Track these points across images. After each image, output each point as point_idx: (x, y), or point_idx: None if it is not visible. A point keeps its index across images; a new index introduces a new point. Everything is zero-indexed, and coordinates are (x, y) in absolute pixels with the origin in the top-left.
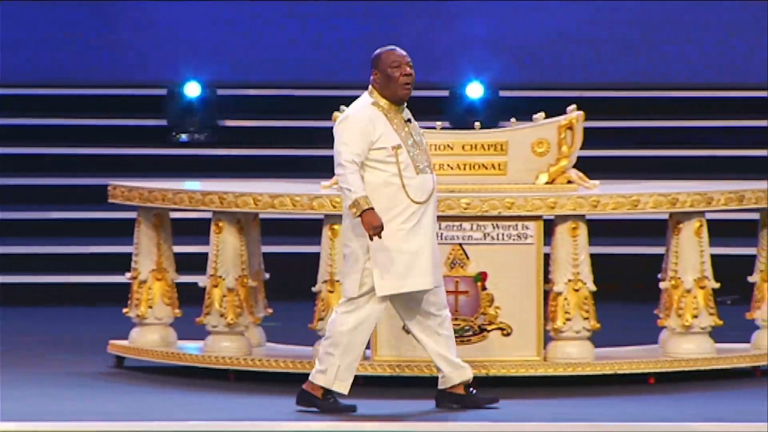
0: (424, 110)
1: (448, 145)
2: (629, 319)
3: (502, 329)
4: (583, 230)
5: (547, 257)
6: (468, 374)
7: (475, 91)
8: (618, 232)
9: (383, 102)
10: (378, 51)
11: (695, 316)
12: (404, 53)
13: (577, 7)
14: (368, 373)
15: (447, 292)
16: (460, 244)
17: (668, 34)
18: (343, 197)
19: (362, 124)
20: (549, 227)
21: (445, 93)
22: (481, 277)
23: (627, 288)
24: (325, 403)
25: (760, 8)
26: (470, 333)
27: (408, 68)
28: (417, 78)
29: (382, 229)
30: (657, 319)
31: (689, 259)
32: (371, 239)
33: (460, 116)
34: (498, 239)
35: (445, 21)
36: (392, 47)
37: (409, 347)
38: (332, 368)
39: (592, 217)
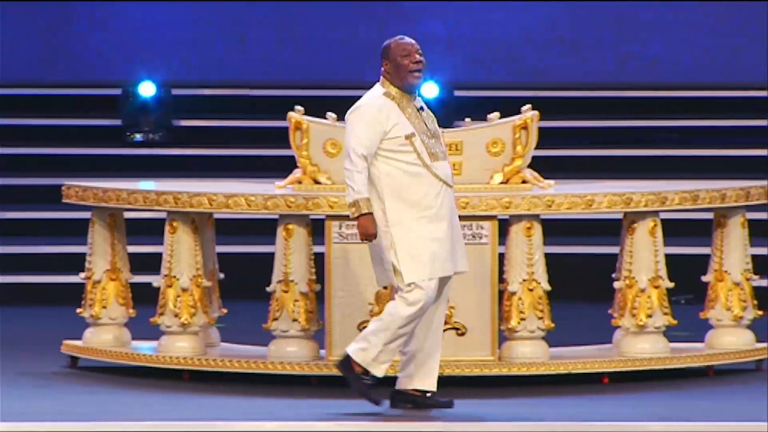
0: None
1: None
2: (583, 319)
3: (456, 329)
4: (537, 230)
5: (501, 257)
6: (432, 387)
7: (429, 91)
8: (572, 231)
9: (395, 91)
10: (387, 42)
11: (649, 316)
12: (413, 41)
13: (533, 7)
14: (322, 372)
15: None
16: None
17: (624, 33)
18: (347, 192)
19: (373, 115)
20: (504, 227)
21: None
22: None
23: (581, 288)
24: (359, 383)
25: (718, 8)
26: None
27: (418, 56)
28: (366, 79)
29: (375, 237)
30: (611, 318)
31: (643, 259)
32: (362, 241)
33: None
34: None
35: (399, 21)
36: (401, 37)
37: None
38: (374, 349)
39: (547, 216)
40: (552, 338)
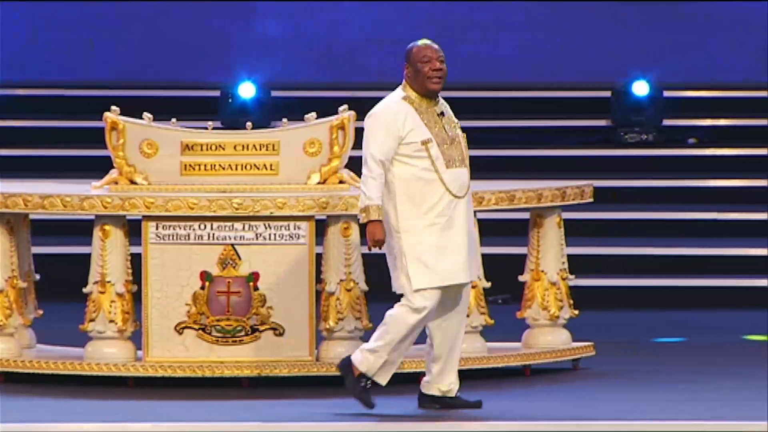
0: (196, 110)
1: (220, 146)
2: None
3: (274, 329)
4: (355, 230)
5: (319, 257)
6: (454, 387)
7: (247, 91)
8: None
9: (414, 96)
10: (410, 45)
11: (467, 315)
12: (436, 47)
13: (365, 8)
14: (139, 374)
15: (218, 292)
16: (232, 245)
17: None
18: (360, 196)
19: (390, 120)
20: (321, 227)
21: (217, 93)
22: (253, 277)
23: None
24: (357, 385)
25: (556, 8)
26: (242, 333)
27: (438, 63)
28: (188, 77)
29: (383, 242)
30: None
31: None
32: (369, 249)
33: (232, 116)
34: (270, 239)
35: (215, 20)
36: (425, 41)
37: (181, 348)
38: (379, 359)
39: None
40: (369, 338)
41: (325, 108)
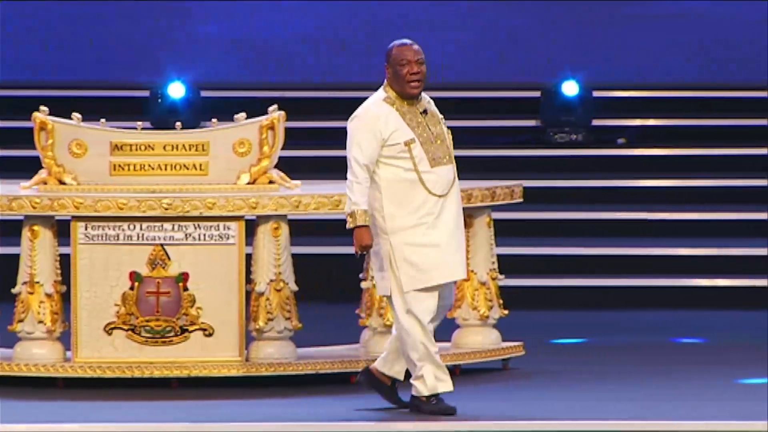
0: (125, 110)
1: (149, 146)
2: (331, 319)
3: (204, 330)
4: (285, 230)
5: (249, 257)
6: (399, 376)
7: (176, 91)
8: (320, 232)
9: (395, 96)
10: (390, 45)
11: None
12: (416, 49)
13: (283, 8)
14: (69, 374)
15: (147, 293)
16: (162, 245)
17: (387, 34)
18: (346, 202)
19: (372, 123)
20: (251, 227)
21: (146, 93)
22: (183, 277)
23: (329, 288)
24: (432, 407)
25: (505, 8)
26: (172, 334)
27: (416, 66)
28: (117, 78)
29: (370, 247)
30: (359, 318)
31: None
32: (356, 254)
33: (162, 116)
34: (200, 239)
35: (147, 20)
36: (405, 42)
37: (111, 349)
38: (428, 374)
39: (294, 217)
40: (299, 338)
41: (256, 108)
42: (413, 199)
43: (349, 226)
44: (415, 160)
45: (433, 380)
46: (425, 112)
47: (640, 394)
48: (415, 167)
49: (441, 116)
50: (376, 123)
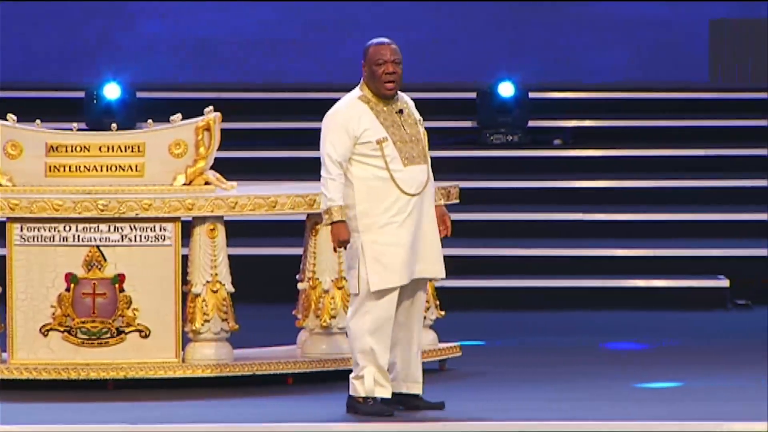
0: (61, 111)
1: (85, 147)
2: (268, 320)
3: (140, 331)
4: (221, 231)
5: (185, 259)
6: (418, 390)
7: (112, 92)
8: (256, 233)
9: (370, 95)
10: (368, 43)
11: (333, 317)
12: (393, 48)
13: (222, 8)
14: (4, 376)
15: (83, 294)
16: (98, 246)
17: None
18: (322, 198)
19: (344, 121)
20: (187, 228)
21: (81, 94)
22: (119, 278)
23: (266, 289)
24: (368, 408)
25: (441, 8)
26: (108, 335)
27: (392, 66)
28: (52, 79)
29: (348, 242)
30: (296, 320)
31: (327, 260)
32: (335, 250)
33: (97, 117)
34: (136, 241)
35: (82, 21)
36: (382, 41)
37: (47, 350)
38: (368, 376)
39: (231, 218)
40: (236, 340)
41: (192, 109)
42: (385, 198)
43: (325, 222)
44: (387, 159)
45: (371, 383)
46: (401, 111)
47: (574, 395)
48: (386, 166)
49: (419, 117)
50: (349, 121)
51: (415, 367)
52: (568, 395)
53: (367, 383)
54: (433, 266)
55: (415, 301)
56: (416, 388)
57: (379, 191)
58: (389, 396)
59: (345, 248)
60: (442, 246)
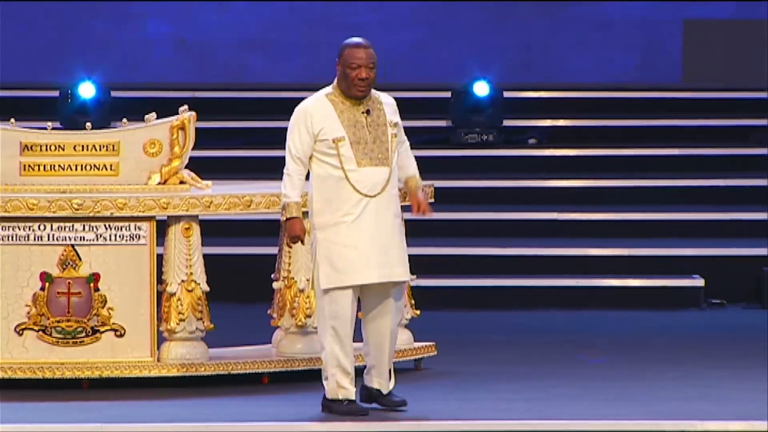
0: (35, 110)
1: (60, 146)
2: (243, 319)
3: (115, 330)
4: (196, 230)
5: (160, 258)
6: (383, 388)
7: (86, 90)
8: (231, 232)
9: (338, 94)
10: (344, 43)
11: (308, 316)
12: (369, 52)
13: (201, 7)
14: None
15: (58, 293)
16: (72, 245)
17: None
18: (281, 194)
19: (302, 118)
20: (162, 228)
21: (56, 93)
22: (94, 278)
23: (241, 288)
24: (340, 407)
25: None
26: (83, 334)
27: (365, 72)
28: (26, 78)
29: (300, 239)
30: (270, 319)
31: (302, 260)
32: (289, 246)
33: (72, 116)
34: (110, 240)
35: (56, 19)
36: (359, 43)
37: (21, 349)
38: (331, 379)
39: (206, 217)
40: (211, 339)
41: (166, 108)
42: (337, 197)
43: (282, 218)
44: (342, 158)
45: (334, 386)
46: (368, 112)
47: (549, 394)
48: (341, 165)
49: (396, 120)
50: (307, 118)
51: (385, 367)
52: (544, 394)
53: (330, 386)
54: (394, 269)
55: (385, 303)
56: (384, 386)
57: (332, 190)
58: (352, 398)
59: (299, 243)
60: (410, 245)
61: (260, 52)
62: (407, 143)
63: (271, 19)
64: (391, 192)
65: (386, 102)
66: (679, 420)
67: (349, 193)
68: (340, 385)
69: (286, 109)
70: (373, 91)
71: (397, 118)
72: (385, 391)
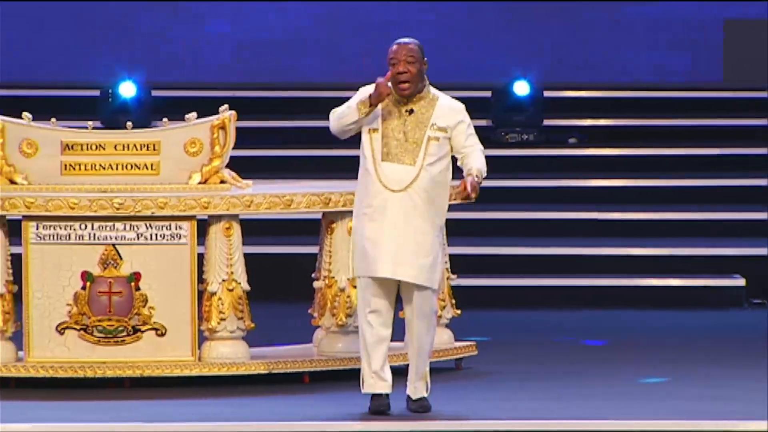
0: (76, 110)
1: (100, 145)
2: (284, 319)
3: (156, 330)
4: (236, 230)
5: (201, 257)
6: (412, 394)
7: (127, 90)
8: (272, 231)
9: (392, 90)
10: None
11: (349, 315)
12: (410, 47)
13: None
14: (21, 374)
15: (99, 292)
16: (113, 245)
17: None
18: (347, 112)
19: (367, 90)
20: (203, 227)
21: (97, 92)
22: (135, 277)
23: (281, 287)
24: (370, 404)
25: (456, 8)
26: (124, 333)
27: (403, 66)
28: (68, 77)
29: (386, 91)
30: (311, 318)
31: (343, 259)
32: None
33: (112, 116)
34: (151, 239)
35: (98, 19)
36: (400, 41)
37: (63, 349)
38: (361, 372)
39: (246, 216)
40: (252, 338)
41: (207, 108)
42: (365, 188)
43: (371, 101)
44: (373, 149)
45: (362, 380)
46: (411, 111)
47: (588, 392)
48: (371, 155)
49: (442, 124)
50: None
51: (413, 371)
52: (582, 392)
53: (361, 380)
54: (405, 269)
55: (410, 307)
56: (411, 390)
57: (363, 180)
58: (380, 391)
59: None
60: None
61: (302, 50)
62: (476, 146)
63: (319, 19)
64: (421, 194)
65: (445, 104)
66: (732, 420)
67: (374, 185)
68: (367, 379)
69: (326, 108)
70: (435, 91)
71: (452, 123)
72: (414, 396)
